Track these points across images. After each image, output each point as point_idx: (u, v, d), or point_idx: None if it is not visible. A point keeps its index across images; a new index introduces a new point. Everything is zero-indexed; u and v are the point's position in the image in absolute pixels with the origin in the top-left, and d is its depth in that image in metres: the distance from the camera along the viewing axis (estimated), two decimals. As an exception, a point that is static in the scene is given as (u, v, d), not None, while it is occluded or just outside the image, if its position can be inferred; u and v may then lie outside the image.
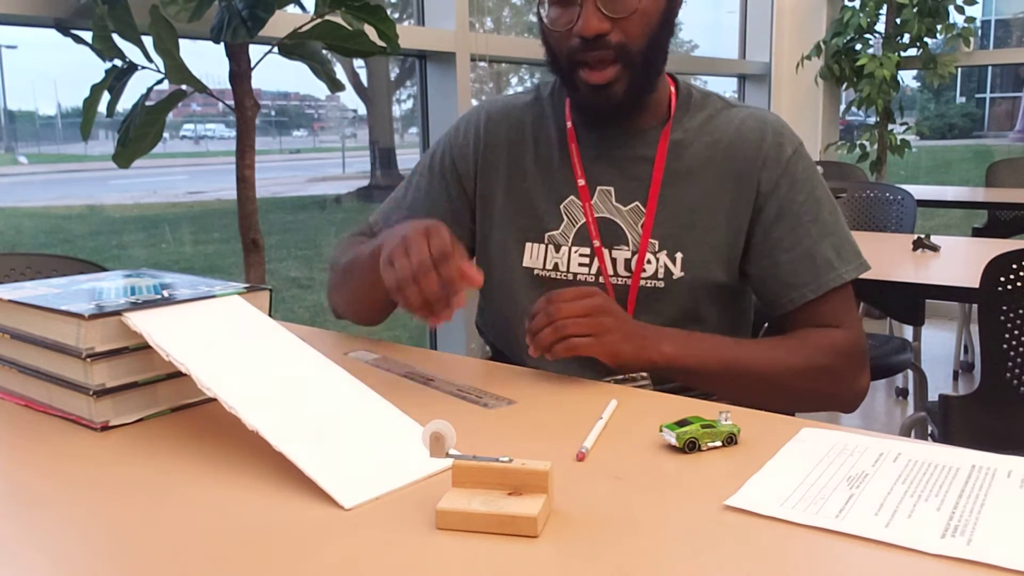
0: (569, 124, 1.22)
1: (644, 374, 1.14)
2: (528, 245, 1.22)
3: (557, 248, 1.20)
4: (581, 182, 1.19)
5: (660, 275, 1.16)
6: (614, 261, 1.18)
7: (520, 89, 1.60)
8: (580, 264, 1.19)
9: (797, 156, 1.17)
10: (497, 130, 1.26)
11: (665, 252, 1.16)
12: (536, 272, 1.22)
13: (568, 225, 1.20)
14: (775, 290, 1.16)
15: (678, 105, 1.20)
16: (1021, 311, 1.39)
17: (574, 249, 1.19)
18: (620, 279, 1.18)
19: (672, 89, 1.22)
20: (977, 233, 3.56)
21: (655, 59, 1.14)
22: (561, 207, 1.20)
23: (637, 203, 1.18)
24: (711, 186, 1.17)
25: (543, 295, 1.05)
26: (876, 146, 4.12)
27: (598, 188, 1.19)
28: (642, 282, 1.17)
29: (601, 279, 1.18)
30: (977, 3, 3.86)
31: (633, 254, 1.17)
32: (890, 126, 4.11)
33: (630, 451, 0.81)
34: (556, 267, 1.20)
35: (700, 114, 1.20)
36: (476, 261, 1.28)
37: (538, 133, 1.25)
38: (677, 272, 1.16)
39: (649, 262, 1.16)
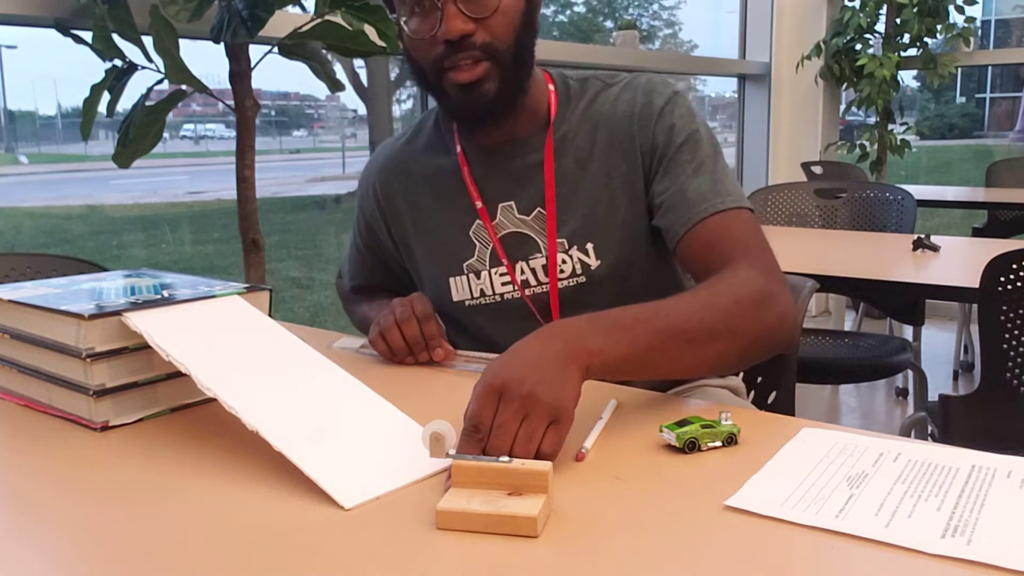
0: (458, 148, 1.21)
1: None
2: (452, 280, 1.21)
3: (477, 275, 1.20)
4: (479, 204, 1.19)
5: (579, 271, 1.16)
6: (533, 271, 1.17)
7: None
8: (503, 284, 1.19)
9: (672, 104, 1.15)
10: (389, 179, 1.27)
11: (576, 247, 1.16)
12: (467, 303, 1.21)
13: (481, 249, 1.19)
14: (667, 239, 1.12)
15: (559, 102, 1.19)
16: (1021, 311, 1.39)
17: (493, 271, 1.19)
18: (543, 287, 1.17)
19: (551, 87, 1.20)
20: (977, 233, 3.56)
21: (523, 57, 1.12)
22: (470, 233, 1.20)
23: (539, 209, 1.17)
24: (601, 169, 1.16)
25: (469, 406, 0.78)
26: (876, 146, 4.11)
27: (500, 205, 1.19)
28: (562, 283, 1.16)
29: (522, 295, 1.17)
30: (977, 3, 3.86)
31: (547, 259, 1.17)
32: (890, 126, 4.11)
33: (630, 451, 0.81)
34: (482, 293, 1.20)
35: (580, 103, 1.19)
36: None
37: (427, 168, 1.24)
38: (594, 263, 1.15)
39: (564, 262, 1.16)
